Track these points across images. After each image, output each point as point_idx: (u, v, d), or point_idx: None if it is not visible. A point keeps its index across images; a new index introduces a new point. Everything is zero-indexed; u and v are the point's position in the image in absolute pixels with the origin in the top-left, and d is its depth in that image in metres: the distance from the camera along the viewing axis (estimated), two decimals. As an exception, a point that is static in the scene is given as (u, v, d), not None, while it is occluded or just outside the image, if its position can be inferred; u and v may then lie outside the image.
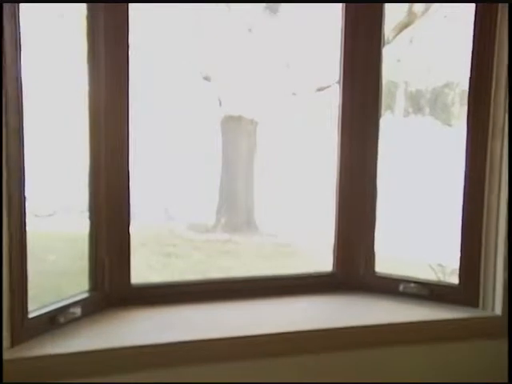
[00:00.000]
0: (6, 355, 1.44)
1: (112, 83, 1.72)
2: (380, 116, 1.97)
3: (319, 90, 5.03)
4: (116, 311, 1.77)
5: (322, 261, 2.23)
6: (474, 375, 1.81)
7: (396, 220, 2.45)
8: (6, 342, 1.45)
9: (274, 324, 1.73)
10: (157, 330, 1.66)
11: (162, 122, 5.18)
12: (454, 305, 1.88)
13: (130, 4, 1.72)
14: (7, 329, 1.45)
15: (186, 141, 5.34)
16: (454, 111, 2.42)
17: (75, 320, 1.66)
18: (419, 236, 2.63)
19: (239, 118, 5.39)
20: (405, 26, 3.03)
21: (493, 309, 1.84)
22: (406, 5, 3.05)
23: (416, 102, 2.81)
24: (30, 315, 1.53)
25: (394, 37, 2.86)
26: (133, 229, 1.81)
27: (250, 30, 5.00)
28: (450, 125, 2.43)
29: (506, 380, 1.68)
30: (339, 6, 1.96)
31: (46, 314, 1.59)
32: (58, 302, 1.65)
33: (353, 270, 2.01)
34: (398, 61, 2.63)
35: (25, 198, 1.48)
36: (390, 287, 1.97)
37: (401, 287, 1.95)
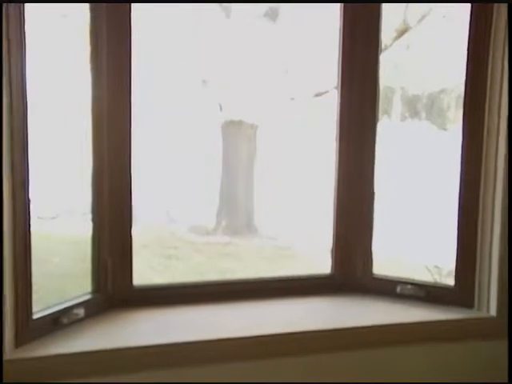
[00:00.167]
0: (11, 355, 1.45)
1: (114, 83, 1.73)
2: (377, 120, 1.99)
3: (317, 95, 5.05)
4: (118, 312, 1.78)
5: (321, 263, 2.25)
6: (470, 375, 1.82)
7: (393, 223, 2.47)
8: (10, 343, 1.47)
9: (274, 325, 1.74)
10: (159, 330, 1.67)
11: (164, 125, 5.20)
12: (449, 306, 1.90)
13: (132, 4, 1.72)
14: (12, 330, 1.47)
15: (187, 144, 5.35)
16: (450, 116, 2.44)
17: (78, 321, 1.68)
18: (416, 238, 2.65)
19: (239, 123, 5.40)
20: (401, 33, 3.06)
21: (488, 310, 1.85)
22: (403, 13, 3.08)
23: (413, 107, 2.84)
24: (34, 316, 1.55)
25: (391, 44, 2.89)
26: (135, 231, 1.82)
27: (249, 37, 5.02)
28: (445, 129, 2.45)
29: (501, 380, 1.70)
30: (337, 7, 1.97)
31: (49, 315, 1.60)
32: (62, 303, 1.66)
33: (351, 271, 2.03)
34: (395, 66, 2.66)
35: (29, 200, 1.49)
36: (388, 289, 1.99)
37: (398, 289, 1.97)
